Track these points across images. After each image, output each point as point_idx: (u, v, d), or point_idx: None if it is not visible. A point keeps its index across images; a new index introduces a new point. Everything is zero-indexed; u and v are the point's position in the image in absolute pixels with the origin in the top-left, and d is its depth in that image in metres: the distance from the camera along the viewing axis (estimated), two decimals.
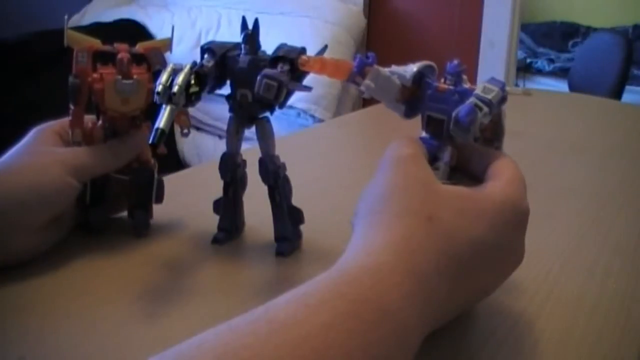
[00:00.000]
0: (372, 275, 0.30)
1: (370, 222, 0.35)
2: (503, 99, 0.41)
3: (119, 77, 0.50)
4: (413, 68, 0.42)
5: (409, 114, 0.44)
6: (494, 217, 0.36)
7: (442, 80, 0.43)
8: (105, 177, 0.52)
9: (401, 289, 0.30)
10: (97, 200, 0.52)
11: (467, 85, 0.42)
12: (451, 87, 0.42)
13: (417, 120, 0.44)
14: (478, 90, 0.40)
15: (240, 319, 0.28)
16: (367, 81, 0.42)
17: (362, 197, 0.38)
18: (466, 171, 0.43)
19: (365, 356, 0.27)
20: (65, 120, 0.52)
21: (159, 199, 0.54)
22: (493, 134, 0.44)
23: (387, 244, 0.33)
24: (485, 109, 0.39)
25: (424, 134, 0.44)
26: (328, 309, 0.28)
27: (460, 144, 0.42)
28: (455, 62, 0.42)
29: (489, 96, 0.40)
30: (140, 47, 0.52)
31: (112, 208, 0.55)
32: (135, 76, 0.50)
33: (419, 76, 0.43)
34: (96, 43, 0.51)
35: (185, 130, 0.50)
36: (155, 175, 0.54)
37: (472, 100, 0.40)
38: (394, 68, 0.43)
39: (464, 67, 0.43)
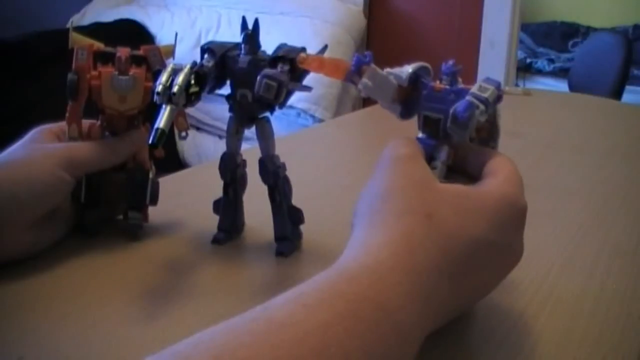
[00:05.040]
0: (371, 274, 0.30)
1: (369, 221, 0.35)
2: (498, 98, 0.41)
3: (115, 72, 0.50)
4: (408, 69, 0.43)
5: (404, 114, 0.44)
6: (493, 215, 0.36)
7: (438, 81, 0.43)
8: (100, 177, 0.52)
9: (401, 288, 0.30)
10: (92, 201, 0.52)
11: (461, 86, 0.43)
12: (447, 87, 0.42)
13: (417, 121, 0.44)
14: (474, 89, 0.41)
15: (238, 318, 0.28)
16: (364, 80, 0.42)
17: (361, 197, 0.38)
18: (463, 171, 0.43)
19: (364, 356, 0.27)
20: (65, 124, 0.52)
21: (153, 200, 0.54)
22: (488, 134, 0.44)
23: (387, 243, 0.33)
24: (482, 106, 0.40)
25: (420, 135, 0.44)
26: (326, 309, 0.28)
27: (457, 143, 0.43)
28: (450, 62, 0.43)
29: (485, 94, 0.40)
30: (142, 49, 0.52)
31: (107, 210, 0.55)
32: (131, 73, 0.51)
33: (415, 77, 0.43)
34: (99, 45, 0.51)
35: (183, 134, 0.50)
36: (150, 176, 0.54)
37: (468, 97, 0.40)
38: (389, 70, 0.43)
39: (459, 67, 0.43)
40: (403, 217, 0.34)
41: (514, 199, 0.38)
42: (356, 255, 0.32)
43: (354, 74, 0.42)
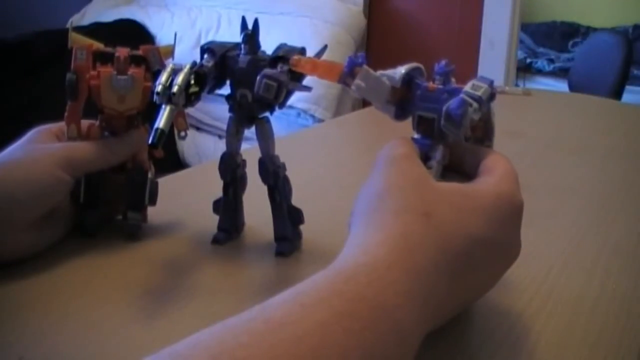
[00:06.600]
0: (369, 273, 0.30)
1: (367, 220, 0.35)
2: (492, 96, 0.42)
3: (115, 73, 0.50)
4: (401, 70, 0.43)
5: (399, 115, 0.44)
6: (490, 213, 0.36)
7: (431, 81, 0.43)
8: (99, 177, 0.52)
9: (399, 287, 0.30)
10: (91, 201, 0.52)
11: (455, 85, 0.43)
12: (440, 87, 0.42)
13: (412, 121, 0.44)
14: (467, 87, 0.41)
15: (236, 318, 0.28)
16: (357, 81, 0.42)
17: (359, 197, 0.38)
18: (459, 170, 0.43)
19: (363, 355, 0.27)
20: (64, 124, 0.52)
21: (152, 201, 0.54)
22: (484, 133, 0.44)
23: (385, 242, 0.33)
24: (475, 104, 0.40)
25: (415, 135, 0.44)
26: (324, 308, 0.28)
27: (452, 142, 0.43)
28: (443, 62, 0.43)
29: (479, 92, 0.40)
30: (141, 49, 0.52)
31: (106, 210, 0.55)
32: (130, 73, 0.51)
33: (408, 78, 0.43)
34: (99, 45, 0.51)
35: (183, 134, 0.50)
36: (149, 177, 0.54)
37: (461, 95, 0.40)
38: (383, 71, 0.43)
39: (452, 67, 0.43)
40: (401, 215, 0.34)
41: (511, 196, 0.38)
42: (354, 254, 0.32)
43: (347, 75, 0.42)
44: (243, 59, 0.49)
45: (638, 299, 0.46)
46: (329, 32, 2.20)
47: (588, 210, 0.64)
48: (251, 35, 0.49)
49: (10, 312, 0.42)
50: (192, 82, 0.45)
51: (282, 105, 0.47)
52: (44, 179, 0.47)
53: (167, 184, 0.56)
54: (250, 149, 0.54)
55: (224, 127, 0.51)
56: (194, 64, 0.46)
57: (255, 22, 0.49)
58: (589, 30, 4.06)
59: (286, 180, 0.51)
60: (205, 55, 0.49)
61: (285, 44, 0.49)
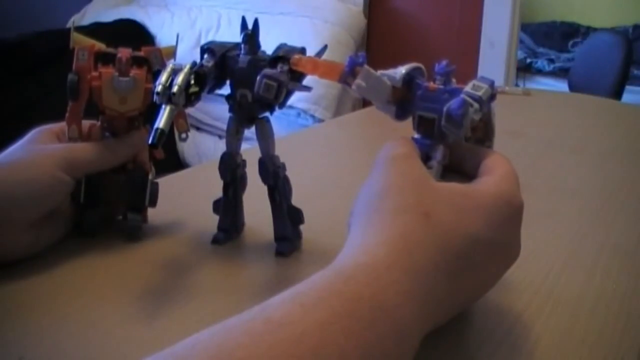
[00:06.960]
0: (369, 273, 0.30)
1: (367, 220, 0.35)
2: (492, 96, 0.42)
3: (116, 74, 0.50)
4: (402, 70, 0.43)
5: (400, 115, 0.44)
6: (490, 213, 0.36)
7: (432, 81, 0.43)
8: (100, 177, 0.52)
9: (399, 286, 0.30)
10: (92, 202, 0.52)
11: (455, 85, 0.43)
12: (441, 87, 0.42)
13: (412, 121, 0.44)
14: (468, 88, 0.41)
15: (235, 318, 0.28)
16: (358, 80, 0.42)
17: (358, 197, 0.38)
18: (459, 170, 0.43)
19: (362, 355, 0.27)
20: (65, 124, 0.52)
21: (153, 202, 0.54)
22: (484, 134, 0.44)
23: (384, 242, 0.33)
24: (476, 105, 0.40)
25: (416, 135, 0.44)
26: (324, 308, 0.28)
27: (452, 142, 0.43)
28: (444, 62, 0.43)
29: (479, 93, 0.40)
30: (143, 50, 0.52)
31: (106, 211, 0.55)
32: (132, 74, 0.51)
33: (409, 78, 0.43)
34: (100, 45, 0.51)
35: (184, 135, 0.50)
36: (150, 178, 0.54)
37: (462, 96, 0.40)
38: (383, 71, 0.43)
39: (453, 67, 0.43)
40: (400, 215, 0.34)
41: (511, 197, 0.38)
42: (353, 254, 0.32)
43: (347, 75, 0.42)
44: (243, 59, 0.49)
45: (638, 299, 0.46)
46: (329, 32, 2.20)
47: (588, 210, 0.64)
48: (251, 35, 0.49)
49: (10, 312, 0.42)
50: (192, 82, 0.45)
51: (282, 105, 0.47)
52: (44, 179, 0.47)
53: (167, 184, 0.56)
54: (250, 149, 0.54)
55: (224, 127, 0.51)
56: (194, 64, 0.46)
57: (255, 22, 0.49)
58: (589, 30, 4.06)
59: (286, 180, 0.51)
60: (205, 55, 0.49)
61: (285, 44, 0.49)
